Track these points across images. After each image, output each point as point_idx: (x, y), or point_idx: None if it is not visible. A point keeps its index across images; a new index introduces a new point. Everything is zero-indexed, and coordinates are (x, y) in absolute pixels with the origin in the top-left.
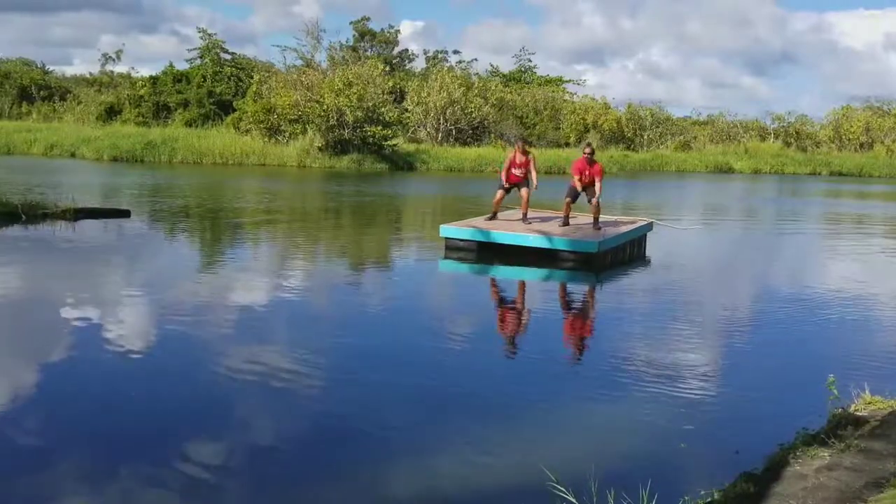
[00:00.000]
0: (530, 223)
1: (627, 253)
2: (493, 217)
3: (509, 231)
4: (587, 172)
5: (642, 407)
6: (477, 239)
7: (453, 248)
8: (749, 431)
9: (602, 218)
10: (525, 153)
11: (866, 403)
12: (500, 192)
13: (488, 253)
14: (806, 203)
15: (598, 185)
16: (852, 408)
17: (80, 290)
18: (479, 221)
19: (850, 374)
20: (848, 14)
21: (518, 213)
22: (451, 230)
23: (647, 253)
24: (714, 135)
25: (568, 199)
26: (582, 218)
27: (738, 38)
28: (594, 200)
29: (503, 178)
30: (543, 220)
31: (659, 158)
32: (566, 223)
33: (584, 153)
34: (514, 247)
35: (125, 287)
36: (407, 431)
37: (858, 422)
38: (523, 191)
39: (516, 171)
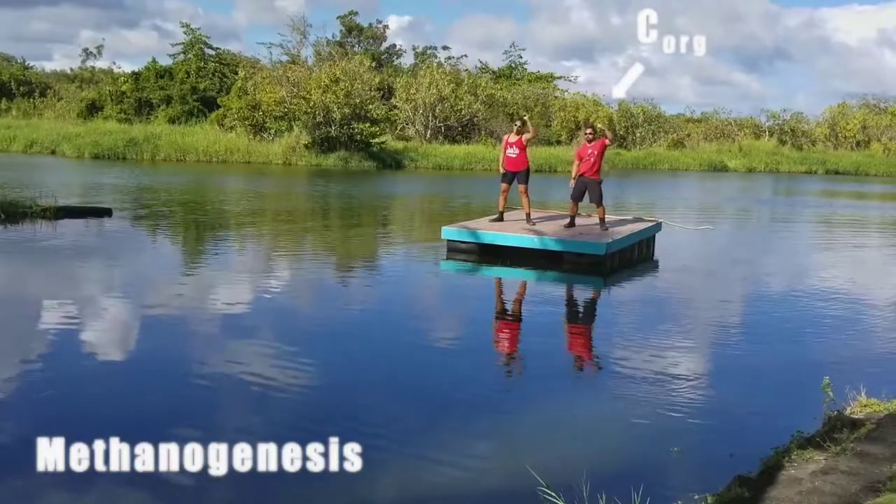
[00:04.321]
0: (535, 224)
1: (636, 255)
2: (500, 218)
3: (512, 233)
4: (590, 150)
5: (636, 409)
6: (479, 241)
7: (455, 251)
8: (743, 434)
9: (609, 218)
10: (519, 133)
11: (862, 406)
12: (503, 187)
13: (491, 255)
14: (806, 204)
15: (606, 154)
16: (848, 410)
17: (60, 290)
18: (483, 223)
19: (845, 377)
20: (842, 10)
21: (521, 214)
22: (452, 232)
23: (656, 254)
24: (708, 132)
25: (574, 200)
26: (589, 218)
27: (730, 34)
28: (598, 201)
29: (501, 163)
30: (548, 220)
31: (652, 156)
32: (572, 224)
33: (586, 133)
34: (517, 249)
35: (105, 287)
36: (396, 433)
37: (854, 424)
38: (521, 186)
39: (510, 152)
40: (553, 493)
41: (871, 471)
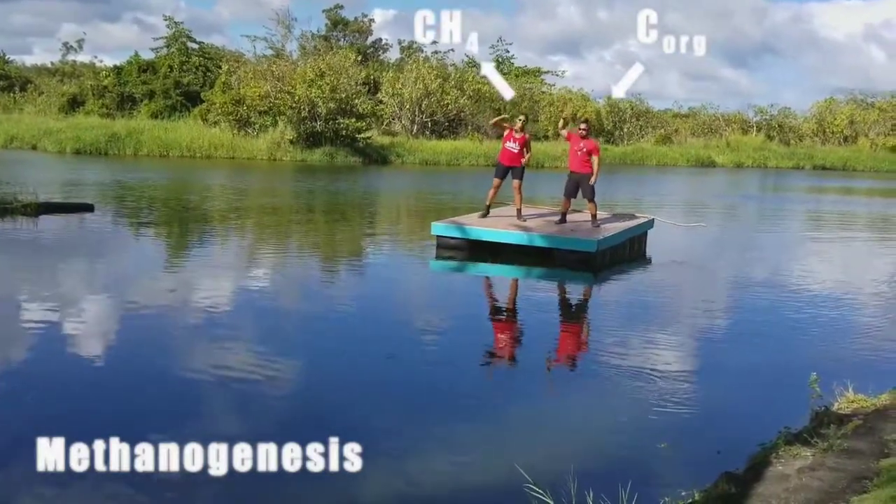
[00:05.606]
0: (525, 220)
1: (627, 251)
2: (486, 213)
3: (503, 229)
4: (581, 144)
5: (623, 406)
6: (469, 237)
7: (445, 247)
8: (731, 431)
9: (600, 214)
10: (521, 129)
11: (849, 402)
12: (496, 181)
13: (481, 251)
14: (794, 201)
15: (595, 161)
16: (835, 406)
17: (40, 287)
18: (473, 218)
19: (833, 372)
20: (829, 5)
21: (512, 210)
22: (442, 228)
23: (648, 251)
24: (695, 128)
25: (566, 196)
26: (580, 215)
27: (717, 29)
28: (590, 197)
29: (501, 146)
30: (539, 216)
31: (639, 152)
32: (563, 220)
33: (580, 128)
34: (508, 245)
35: (87, 284)
36: (382, 431)
37: (841, 421)
38: (515, 182)
39: (510, 146)
40: (540, 491)
41: (859, 467)
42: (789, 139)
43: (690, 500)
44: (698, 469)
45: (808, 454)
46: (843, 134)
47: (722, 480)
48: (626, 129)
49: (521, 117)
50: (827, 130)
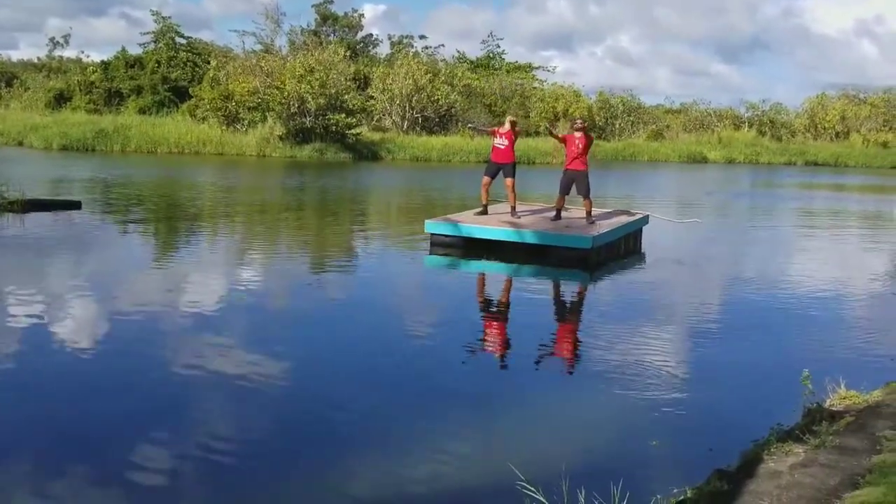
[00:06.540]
0: (519, 217)
1: (622, 248)
2: (484, 211)
3: (497, 226)
4: (577, 143)
5: (615, 404)
6: (463, 235)
7: (439, 245)
8: (723, 428)
9: (595, 211)
10: (512, 126)
11: (841, 398)
12: (485, 179)
13: (476, 249)
14: (788, 198)
15: (591, 142)
16: (827, 403)
17: (27, 286)
18: (467, 216)
19: (825, 370)
20: (821, 0)
21: (507, 207)
22: (436, 226)
23: (643, 248)
24: (687, 123)
25: (560, 193)
26: (575, 211)
27: (708, 24)
28: (585, 194)
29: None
30: (534, 213)
31: (631, 148)
32: (558, 217)
33: (574, 127)
34: (502, 243)
35: (74, 282)
36: (374, 429)
37: (833, 417)
38: (507, 181)
39: (498, 143)
40: (532, 489)
41: (851, 463)
42: (781, 135)
43: (682, 498)
44: (690, 466)
45: (801, 451)
46: (835, 130)
47: (714, 477)
48: (617, 125)
49: (511, 118)
50: (819, 126)
